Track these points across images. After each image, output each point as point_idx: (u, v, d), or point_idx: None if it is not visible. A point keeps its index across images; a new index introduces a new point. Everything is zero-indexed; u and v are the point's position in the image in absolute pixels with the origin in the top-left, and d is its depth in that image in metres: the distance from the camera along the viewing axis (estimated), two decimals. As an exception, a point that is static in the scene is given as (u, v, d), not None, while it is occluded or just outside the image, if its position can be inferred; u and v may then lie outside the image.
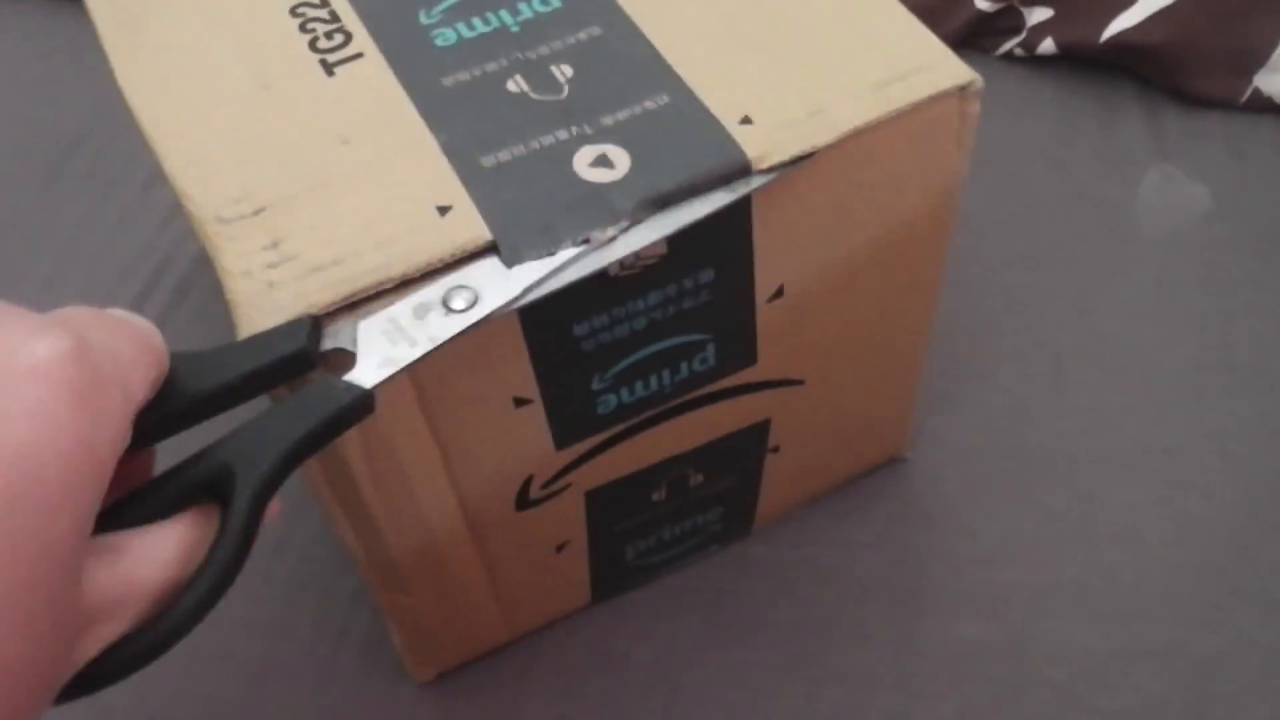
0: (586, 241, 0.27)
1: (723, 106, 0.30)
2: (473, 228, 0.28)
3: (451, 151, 0.29)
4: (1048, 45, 0.56)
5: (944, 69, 0.31)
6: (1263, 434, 0.44)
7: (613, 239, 0.28)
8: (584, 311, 0.30)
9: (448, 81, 0.31)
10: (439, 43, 0.32)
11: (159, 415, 0.23)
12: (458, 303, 0.26)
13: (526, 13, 0.32)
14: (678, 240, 0.29)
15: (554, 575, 0.39)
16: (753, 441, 0.38)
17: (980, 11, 0.57)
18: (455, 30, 0.32)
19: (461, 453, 0.32)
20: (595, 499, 0.36)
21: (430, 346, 0.26)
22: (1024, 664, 0.40)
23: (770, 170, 0.29)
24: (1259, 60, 0.54)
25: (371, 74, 0.31)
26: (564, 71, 0.31)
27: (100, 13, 0.34)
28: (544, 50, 0.31)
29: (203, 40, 0.32)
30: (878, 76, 0.30)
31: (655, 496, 0.37)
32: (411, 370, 0.26)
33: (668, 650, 0.41)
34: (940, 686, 0.40)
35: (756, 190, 0.29)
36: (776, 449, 0.39)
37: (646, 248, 0.28)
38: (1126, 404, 0.46)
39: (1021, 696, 0.39)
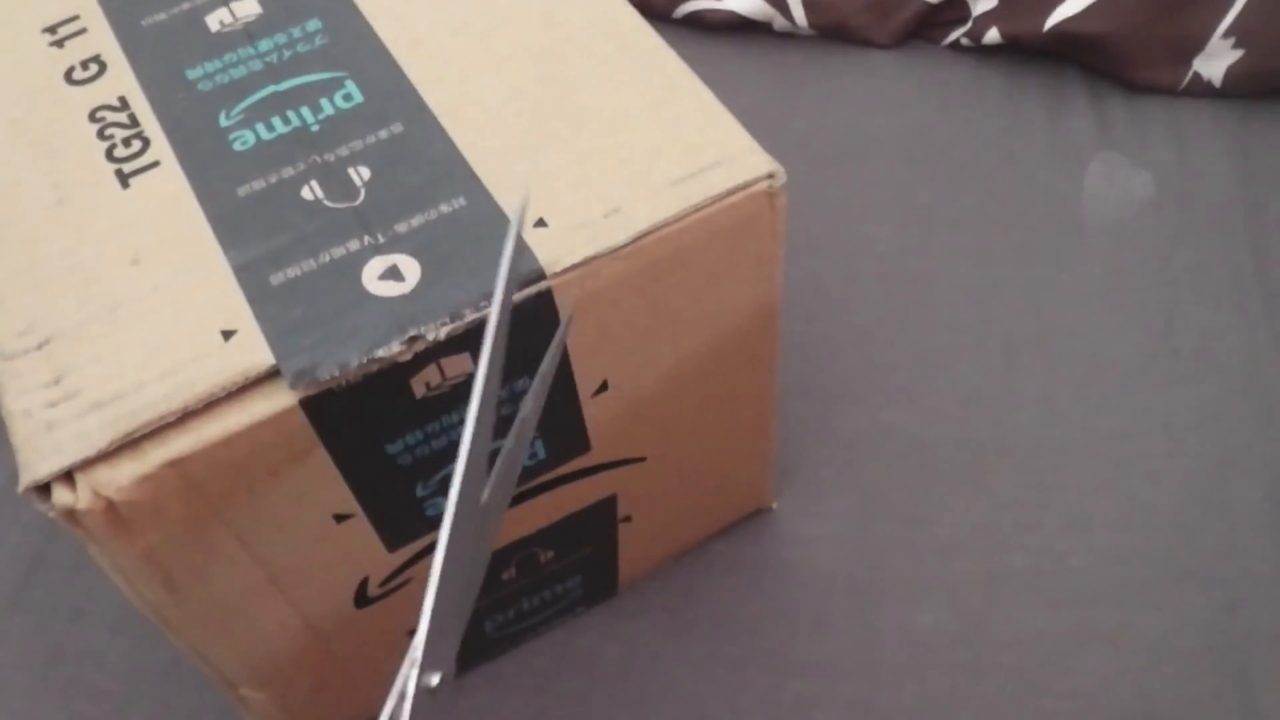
0: (376, 361, 0.27)
1: (519, 210, 0.29)
2: (256, 352, 0.27)
3: (241, 269, 0.28)
4: (993, 35, 0.57)
5: (744, 161, 0.30)
6: (1206, 419, 0.46)
7: (404, 355, 0.27)
8: (394, 432, 0.29)
9: (242, 191, 0.30)
10: (237, 147, 0.31)
11: None
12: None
13: (328, 109, 0.32)
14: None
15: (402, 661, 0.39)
16: (601, 516, 0.38)
17: (927, 3, 0.58)
18: (254, 132, 0.31)
19: (287, 570, 0.31)
20: None
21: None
22: (979, 650, 0.41)
23: (565, 272, 0.28)
24: (1198, 45, 0.55)
25: (167, 185, 0.30)
26: (361, 174, 0.30)
27: None
28: (342, 151, 0.31)
29: (1, 148, 0.32)
30: (677, 172, 0.30)
31: (505, 576, 0.38)
32: (219, 506, 0.27)
33: (636, 648, 0.42)
34: (899, 674, 0.41)
35: (558, 293, 0.28)
36: (628, 519, 0.39)
37: (452, 366, 0.28)
38: (1075, 393, 0.47)
39: (978, 681, 0.41)
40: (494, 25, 0.34)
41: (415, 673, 0.22)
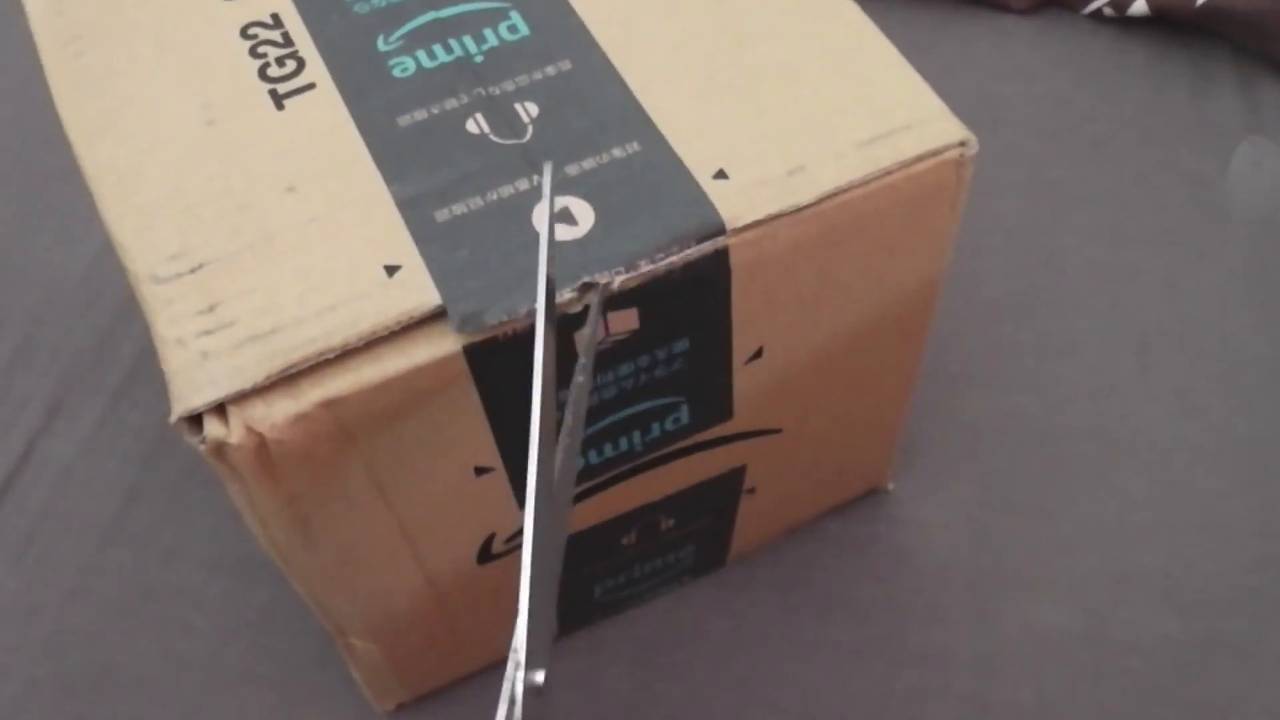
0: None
1: (697, 158, 0.27)
2: (421, 292, 0.25)
3: (404, 203, 0.27)
4: (1139, 6, 0.54)
5: (936, 126, 0.28)
6: (1353, 426, 0.44)
7: (573, 306, 0.26)
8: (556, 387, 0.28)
9: (403, 121, 0.28)
10: (396, 73, 0.29)
11: None
12: None
13: (492, 40, 0.30)
14: (651, 311, 0.27)
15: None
16: (727, 487, 0.36)
17: (1071, -32, 0.55)
18: (415, 59, 0.30)
19: (419, 522, 0.30)
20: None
21: None
22: (1103, 652, 0.40)
23: (745, 230, 0.27)
24: (1361, 31, 0.52)
25: (323, 109, 0.29)
26: (528, 110, 0.28)
27: (40, 23, 0.31)
28: (508, 86, 0.29)
29: (148, 65, 0.30)
30: (864, 133, 0.28)
31: (625, 541, 0.36)
32: (366, 451, 0.26)
33: (743, 625, 0.41)
34: (1017, 672, 0.39)
35: (735, 252, 0.27)
36: (752, 490, 0.37)
37: (617, 321, 0.27)
38: (1212, 389, 0.45)
39: (1100, 685, 0.39)
40: None
41: (521, 674, 0.21)
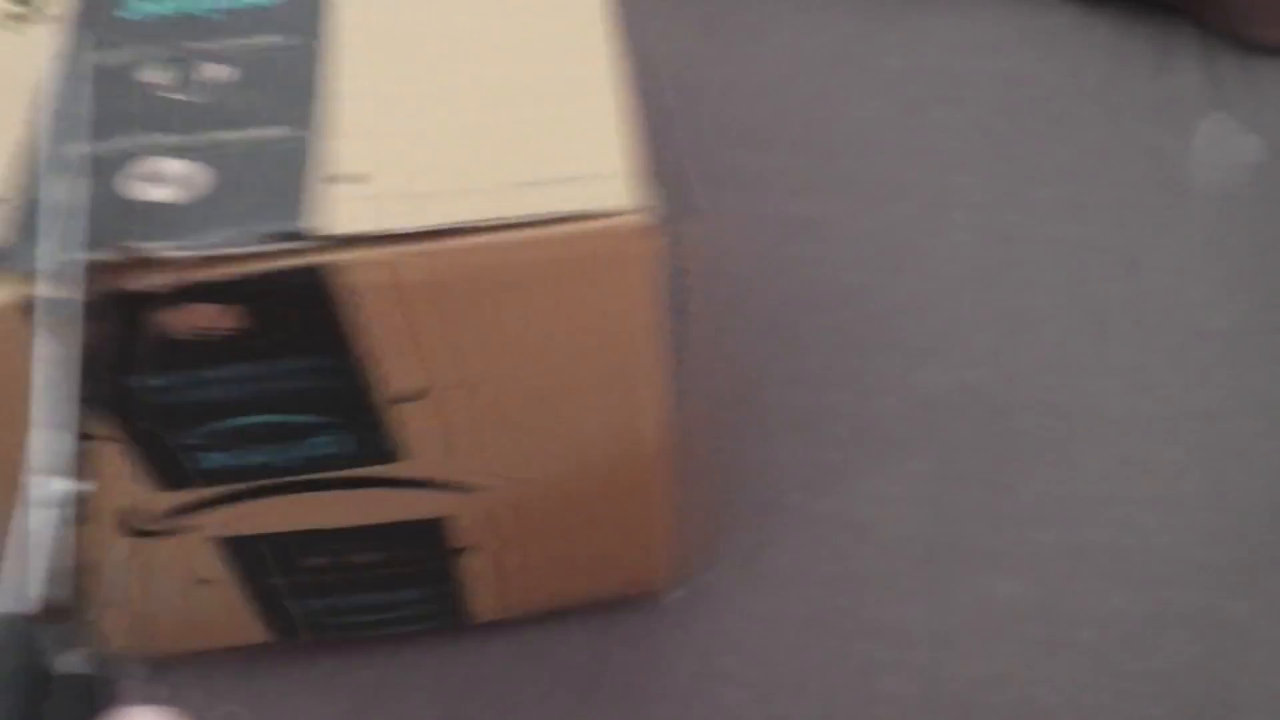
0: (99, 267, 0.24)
1: (337, 157, 0.26)
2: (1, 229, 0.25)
3: (44, 136, 0.26)
4: (1104, -18, 0.54)
5: (612, 185, 0.25)
6: (1306, 400, 0.44)
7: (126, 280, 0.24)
8: (149, 364, 0.26)
9: (99, 59, 0.28)
10: (123, 13, 0.29)
11: None
12: None
13: (239, 3, 0.30)
14: (248, 314, 0.25)
15: (208, 605, 0.36)
16: (428, 537, 0.34)
17: (1036, -57, 0.55)
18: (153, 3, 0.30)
19: None
20: (231, 548, 0.33)
21: None
22: (1056, 625, 0.40)
23: (351, 244, 0.24)
24: (1322, 7, 0.52)
25: (39, 36, 0.29)
26: (219, 74, 0.28)
27: None
28: (214, 45, 0.29)
29: None
30: (534, 173, 0.25)
31: (310, 562, 0.34)
32: None
33: (701, 594, 0.41)
34: (972, 645, 0.40)
35: (350, 271, 0.25)
36: (466, 550, 0.35)
37: (203, 315, 0.25)
38: (1168, 364, 0.45)
39: (1053, 657, 0.39)
40: None
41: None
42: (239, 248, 0.24)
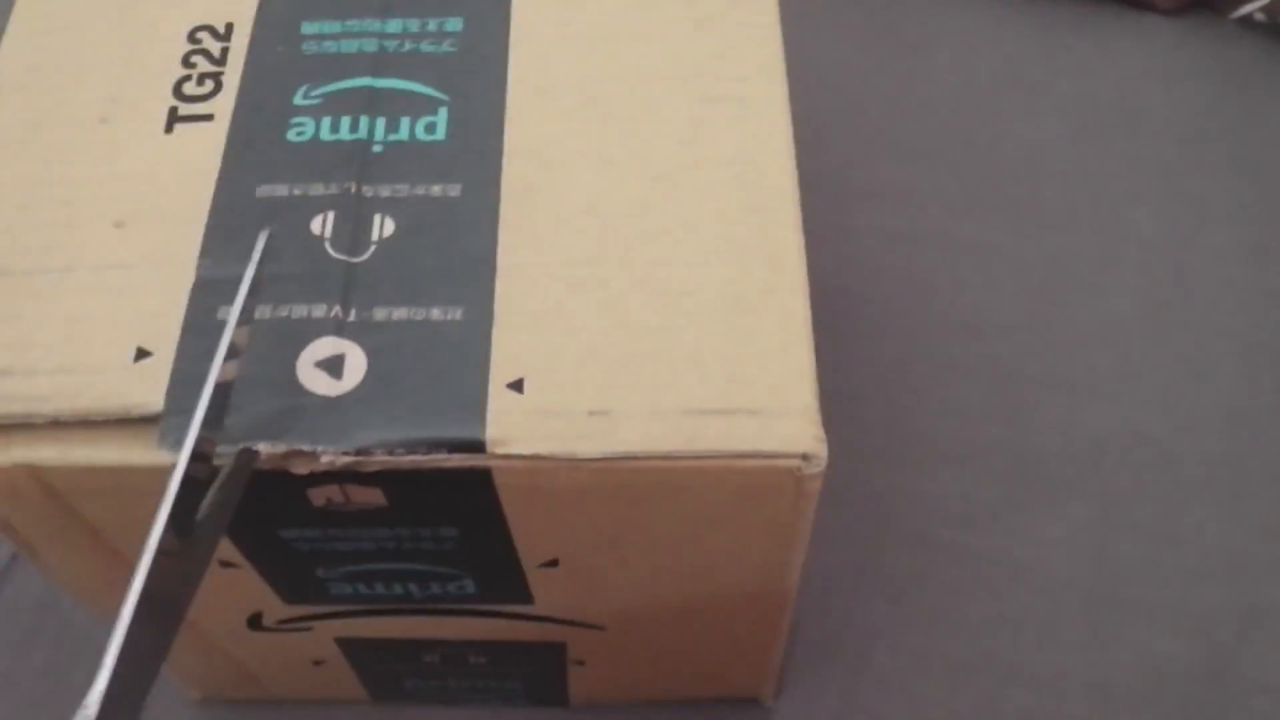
0: (251, 454, 0.23)
1: (508, 354, 0.24)
2: (151, 391, 0.23)
3: (200, 285, 0.24)
4: (1294, 14, 0.52)
5: (787, 425, 0.24)
6: None
7: (295, 466, 0.23)
8: (289, 521, 0.26)
9: (262, 191, 0.26)
10: (291, 136, 0.26)
11: None
12: None
13: (402, 133, 0.27)
14: (399, 494, 0.24)
15: (319, 675, 0.36)
16: (548, 654, 0.34)
17: (1222, -32, 0.53)
18: (318, 126, 0.27)
19: None
20: (350, 644, 0.33)
21: None
22: (1228, 689, 0.38)
23: (509, 458, 0.23)
24: None
25: (202, 149, 0.26)
26: (384, 227, 0.25)
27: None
28: (384, 191, 0.26)
29: (93, 34, 0.28)
30: (700, 400, 0.24)
31: (427, 659, 0.34)
32: (80, 513, 0.24)
33: (850, 625, 0.40)
34: (1135, 702, 0.38)
35: (496, 475, 0.24)
36: (582, 663, 0.34)
37: (359, 494, 0.24)
38: (1353, 421, 0.43)
39: (1221, 722, 0.37)
40: (634, 113, 0.27)
41: None
42: (403, 454, 0.23)
